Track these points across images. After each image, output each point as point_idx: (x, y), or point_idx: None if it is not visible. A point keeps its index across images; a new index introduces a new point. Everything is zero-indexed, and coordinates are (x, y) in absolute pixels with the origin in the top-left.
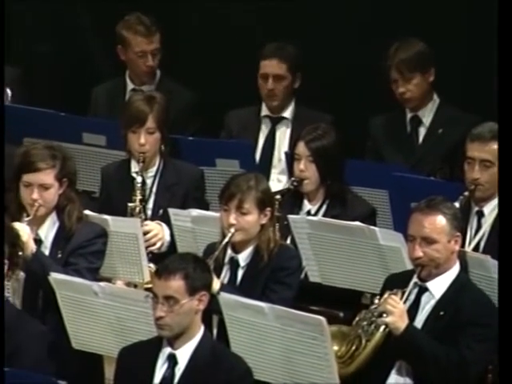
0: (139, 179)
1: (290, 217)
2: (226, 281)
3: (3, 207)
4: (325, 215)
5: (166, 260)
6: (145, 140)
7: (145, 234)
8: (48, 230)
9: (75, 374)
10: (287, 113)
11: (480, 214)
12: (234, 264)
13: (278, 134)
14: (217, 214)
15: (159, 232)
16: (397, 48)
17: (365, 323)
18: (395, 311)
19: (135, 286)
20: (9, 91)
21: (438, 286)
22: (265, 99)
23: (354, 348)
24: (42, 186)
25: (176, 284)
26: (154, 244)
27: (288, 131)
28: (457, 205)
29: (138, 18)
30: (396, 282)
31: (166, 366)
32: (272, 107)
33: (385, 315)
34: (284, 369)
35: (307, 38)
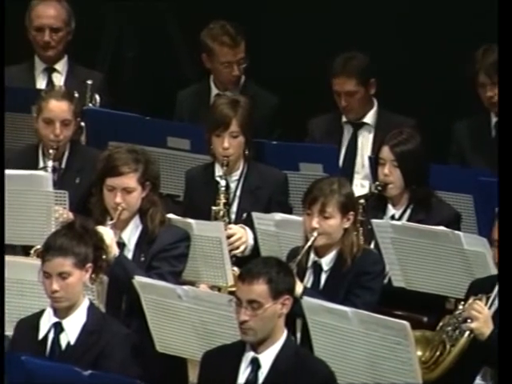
0: (223, 183)
1: (374, 221)
2: (309, 285)
3: (3, 206)
4: (409, 220)
5: (249, 264)
6: (229, 144)
7: (228, 237)
8: (131, 234)
9: (159, 376)
10: (368, 118)
11: None
12: (317, 268)
13: (360, 139)
14: (300, 218)
15: (243, 235)
16: (484, 51)
17: (449, 328)
18: (480, 317)
19: (219, 290)
20: (97, 97)
21: None
22: (343, 112)
23: (438, 353)
24: (126, 189)
25: (259, 288)
26: (238, 247)
27: (370, 136)
28: None
29: (223, 28)
30: (481, 288)
31: (249, 369)
32: (351, 119)
33: (469, 321)
34: (367, 373)
35: (391, 41)
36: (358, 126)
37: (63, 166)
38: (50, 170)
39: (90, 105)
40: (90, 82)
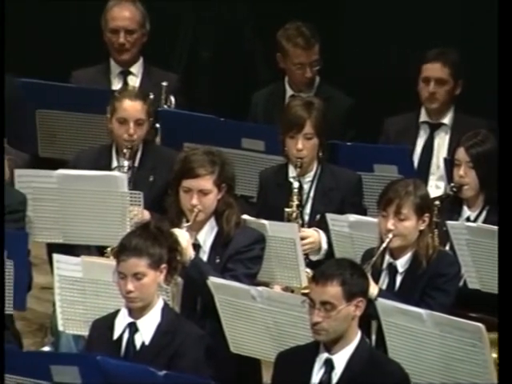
0: (296, 184)
1: (449, 223)
2: (384, 287)
3: (3, 207)
4: (485, 222)
5: (323, 266)
6: (302, 145)
7: (302, 239)
8: (206, 236)
9: (233, 377)
10: (446, 119)
11: None
12: (393, 270)
13: (437, 140)
14: (375, 220)
15: (315, 239)
16: None
17: None
18: None
19: (292, 291)
20: (172, 98)
21: None
22: (425, 102)
23: None
24: (202, 191)
25: (333, 290)
26: (311, 250)
27: (447, 138)
28: None
29: (297, 29)
30: None
31: (322, 370)
32: (431, 111)
33: None
34: (442, 376)
35: (469, 43)
36: (435, 126)
37: (136, 164)
38: (126, 169)
39: (165, 106)
40: (165, 83)
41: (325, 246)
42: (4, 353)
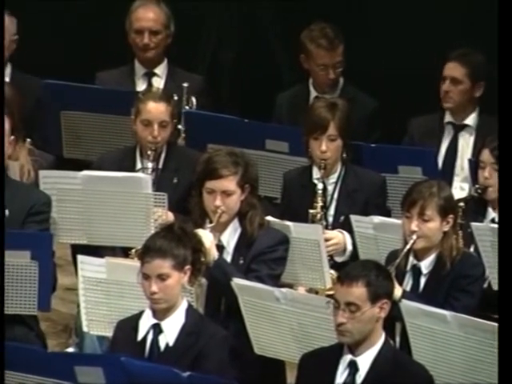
0: (320, 186)
1: (474, 224)
2: (408, 288)
3: (3, 208)
4: None
5: (348, 267)
6: (326, 147)
7: (326, 240)
8: (230, 237)
9: (257, 379)
10: (470, 120)
11: None
12: (417, 271)
13: (461, 141)
14: (399, 221)
15: (340, 241)
16: None
17: None
18: None
19: (316, 293)
20: (194, 99)
21: None
22: (442, 101)
23: None
24: (225, 192)
25: (358, 291)
26: (335, 251)
27: (471, 139)
28: None
29: (321, 31)
30: None
31: (346, 372)
32: (449, 111)
33: None
34: (466, 377)
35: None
36: (459, 127)
37: (160, 166)
38: (150, 171)
39: (187, 107)
40: (185, 84)
41: (350, 247)
42: (4, 352)
